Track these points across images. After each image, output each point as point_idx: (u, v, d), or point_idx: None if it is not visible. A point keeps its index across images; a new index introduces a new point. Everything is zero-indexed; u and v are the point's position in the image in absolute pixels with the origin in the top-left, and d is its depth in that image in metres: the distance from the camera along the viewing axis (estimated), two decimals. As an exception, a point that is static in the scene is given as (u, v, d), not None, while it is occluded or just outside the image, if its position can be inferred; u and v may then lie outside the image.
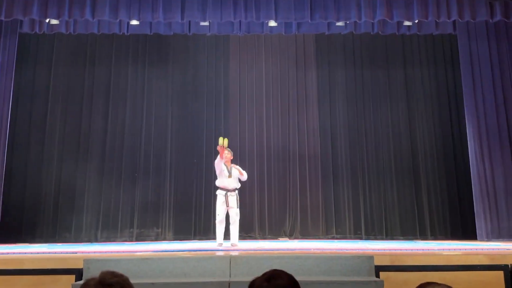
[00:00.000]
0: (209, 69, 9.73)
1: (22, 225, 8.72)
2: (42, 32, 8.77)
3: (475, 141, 8.42)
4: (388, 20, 8.04)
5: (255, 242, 7.92)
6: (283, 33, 9.04)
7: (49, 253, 5.56)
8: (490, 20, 8.06)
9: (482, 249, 5.74)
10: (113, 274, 1.47)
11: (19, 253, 5.53)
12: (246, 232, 9.00)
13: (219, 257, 4.39)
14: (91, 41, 9.57)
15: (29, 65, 9.37)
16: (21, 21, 8.56)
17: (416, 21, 8.43)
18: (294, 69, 9.76)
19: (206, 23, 8.71)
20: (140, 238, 8.91)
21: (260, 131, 9.56)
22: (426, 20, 8.16)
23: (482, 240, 7.94)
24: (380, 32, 8.91)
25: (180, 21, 8.10)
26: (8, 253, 5.39)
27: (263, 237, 9.00)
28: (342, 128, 9.50)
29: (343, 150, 9.42)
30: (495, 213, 8.08)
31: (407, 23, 8.65)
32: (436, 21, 8.46)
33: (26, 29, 8.71)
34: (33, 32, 8.78)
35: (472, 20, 8.08)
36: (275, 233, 9.11)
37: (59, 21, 8.40)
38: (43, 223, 8.84)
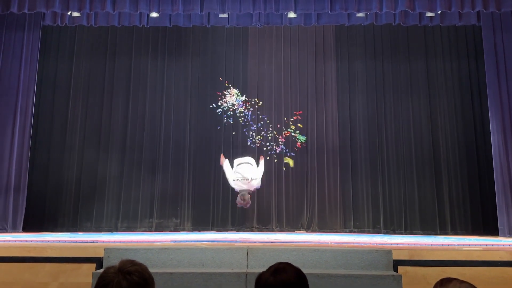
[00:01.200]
0: (227, 61, 9.74)
1: (44, 214, 8.92)
2: (64, 25, 8.91)
3: (499, 135, 8.24)
4: (410, 11, 7.89)
5: (272, 235, 7.94)
6: (303, 25, 8.97)
7: (70, 241, 5.68)
8: (517, 11, 7.84)
9: (503, 245, 5.64)
10: (133, 263, 1.50)
11: (42, 241, 5.66)
12: (263, 225, 9.04)
13: (237, 248, 4.42)
14: (111, 33, 9.68)
15: (51, 57, 9.54)
16: (44, 14, 8.71)
17: (439, 12, 8.25)
18: (313, 61, 9.68)
19: (225, 15, 8.70)
20: (159, 228, 9.03)
21: (278, 124, 9.54)
22: (449, 11, 7.98)
23: (504, 236, 7.78)
24: (401, 23, 8.75)
25: (199, 13, 8.12)
26: (31, 241, 5.53)
27: (280, 229, 9.01)
28: (362, 120, 9.40)
29: (362, 142, 9.33)
30: (518, 209, 7.90)
31: (429, 14, 8.46)
32: (459, 12, 8.26)
33: (48, 21, 8.86)
34: (55, 24, 8.93)
35: (497, 11, 7.86)
36: (292, 226, 9.10)
37: (81, 14, 8.50)
38: (65, 213, 9.03)
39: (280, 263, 1.63)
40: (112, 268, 1.47)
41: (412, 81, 9.44)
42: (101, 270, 3.56)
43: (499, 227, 7.98)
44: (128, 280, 1.42)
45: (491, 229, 8.29)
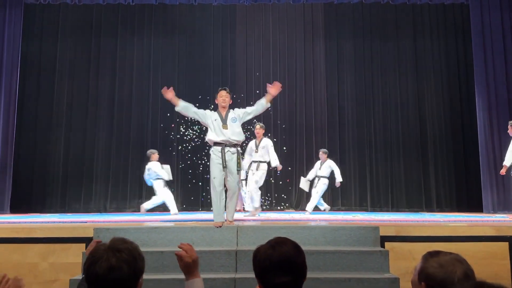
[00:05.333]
0: (215, 40, 9.62)
1: (32, 196, 8.85)
2: (47, 3, 8.68)
3: (484, 112, 8.33)
4: (399, -12, 7.85)
5: (261, 214, 7.99)
6: (291, 2, 8.88)
7: (59, 222, 5.66)
8: (504, -11, 7.85)
9: (487, 220, 5.76)
10: (123, 241, 1.50)
11: (30, 222, 5.63)
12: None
13: (227, 227, 4.45)
14: (96, 11, 9.47)
15: (35, 36, 9.31)
16: (26, -8, 8.47)
17: (428, -11, 8.23)
18: (302, 39, 9.61)
19: (213, -8, 8.55)
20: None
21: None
22: (437, -12, 7.96)
23: (488, 212, 7.95)
24: (390, 1, 8.71)
25: (186, -10, 7.98)
26: (19, 222, 5.49)
27: (270, 209, 9.09)
28: (350, 100, 9.42)
29: (350, 122, 9.37)
30: (501, 186, 8.05)
31: (418, -9, 8.44)
32: (448, -11, 8.25)
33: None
34: (38, 2, 8.69)
35: (485, -11, 7.87)
36: (281, 205, 9.18)
37: (64, -9, 8.31)
38: (53, 194, 8.96)
39: (279, 237, 1.66)
40: (102, 245, 1.47)
41: (400, 60, 9.45)
42: (91, 250, 3.57)
43: (483, 204, 8.15)
44: (117, 257, 1.43)
45: (475, 206, 8.45)
